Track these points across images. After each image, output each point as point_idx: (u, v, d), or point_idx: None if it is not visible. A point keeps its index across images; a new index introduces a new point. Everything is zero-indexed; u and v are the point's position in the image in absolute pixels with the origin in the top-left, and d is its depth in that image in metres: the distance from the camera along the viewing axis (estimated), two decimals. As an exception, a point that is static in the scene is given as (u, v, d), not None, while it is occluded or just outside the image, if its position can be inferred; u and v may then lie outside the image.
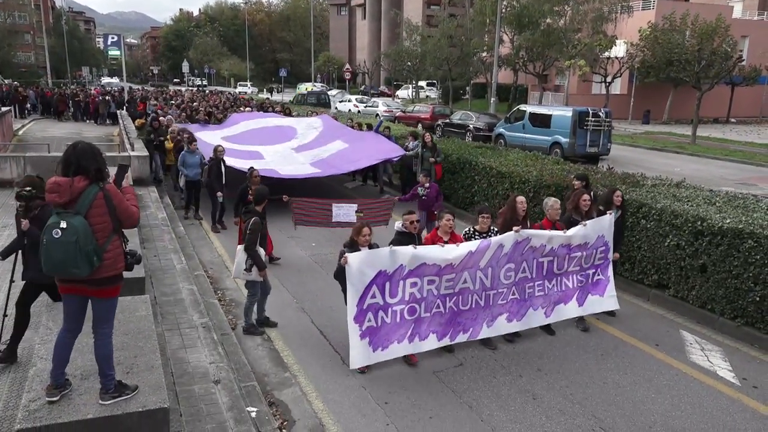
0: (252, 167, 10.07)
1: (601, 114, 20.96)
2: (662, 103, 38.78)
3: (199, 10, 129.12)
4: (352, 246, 6.11)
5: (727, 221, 7.31)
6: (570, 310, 7.15)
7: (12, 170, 13.63)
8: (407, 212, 6.79)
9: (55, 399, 4.28)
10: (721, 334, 7.28)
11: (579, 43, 36.14)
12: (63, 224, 3.96)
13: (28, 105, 35.91)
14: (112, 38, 23.39)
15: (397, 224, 6.80)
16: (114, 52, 27.03)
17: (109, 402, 4.31)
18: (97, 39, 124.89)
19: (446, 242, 6.43)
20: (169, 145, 14.25)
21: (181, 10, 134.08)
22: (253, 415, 5.08)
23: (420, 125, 28.90)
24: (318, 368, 6.23)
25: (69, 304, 4.31)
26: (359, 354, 5.93)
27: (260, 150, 14.77)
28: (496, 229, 6.83)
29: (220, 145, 11.92)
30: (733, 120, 41.14)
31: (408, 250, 6.04)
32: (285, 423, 5.23)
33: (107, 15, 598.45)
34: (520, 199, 7.20)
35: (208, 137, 14.77)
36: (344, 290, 6.01)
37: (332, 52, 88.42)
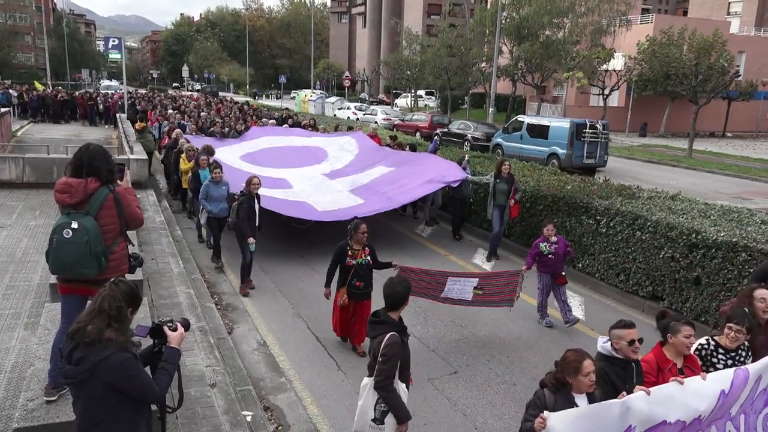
0: (356, 216, 7.62)
1: (598, 126, 21.14)
2: (659, 116, 39.07)
3: (200, 14, 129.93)
4: (561, 388, 3.44)
5: (722, 234, 7.40)
6: None
7: (11, 171, 13.61)
8: (619, 323, 3.94)
9: (53, 399, 4.32)
10: (714, 346, 7.31)
11: (577, 55, 36.43)
12: (74, 224, 4.00)
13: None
14: (113, 41, 23.22)
15: (602, 343, 3.96)
16: (114, 56, 26.82)
17: (106, 403, 4.33)
18: (98, 42, 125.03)
19: (681, 369, 3.93)
20: (184, 165, 11.89)
21: (182, 14, 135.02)
22: (249, 419, 5.10)
23: (419, 134, 29.04)
24: (313, 373, 6.26)
25: (68, 304, 4.34)
26: None
27: (287, 176, 12.63)
28: (747, 345, 4.34)
29: (256, 177, 8.77)
30: (729, 134, 41.44)
31: (642, 400, 3.41)
32: (280, 427, 5.26)
33: (108, 18, 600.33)
34: (762, 294, 4.59)
35: (225, 155, 12.90)
36: None
37: (332, 60, 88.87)
